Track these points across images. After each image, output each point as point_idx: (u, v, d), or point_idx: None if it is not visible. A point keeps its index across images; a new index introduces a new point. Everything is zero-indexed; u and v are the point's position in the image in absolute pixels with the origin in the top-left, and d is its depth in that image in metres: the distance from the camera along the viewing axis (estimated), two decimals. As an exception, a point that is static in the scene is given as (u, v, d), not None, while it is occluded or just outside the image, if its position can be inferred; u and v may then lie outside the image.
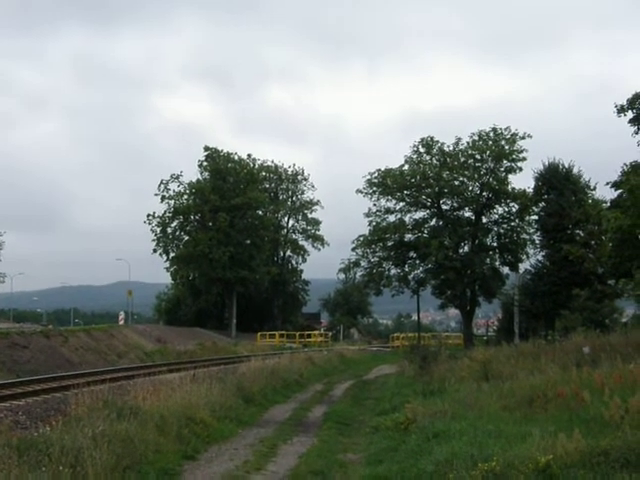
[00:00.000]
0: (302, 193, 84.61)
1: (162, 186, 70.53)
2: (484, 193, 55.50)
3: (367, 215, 57.57)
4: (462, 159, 55.27)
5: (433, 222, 57.44)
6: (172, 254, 71.12)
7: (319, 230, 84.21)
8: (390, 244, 57.03)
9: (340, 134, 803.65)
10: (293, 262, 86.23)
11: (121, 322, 58.07)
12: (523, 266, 53.65)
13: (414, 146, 56.21)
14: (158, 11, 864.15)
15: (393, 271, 58.01)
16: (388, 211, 57.27)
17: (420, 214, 57.69)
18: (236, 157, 74.17)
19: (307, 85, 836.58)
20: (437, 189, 55.13)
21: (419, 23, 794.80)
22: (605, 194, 41.78)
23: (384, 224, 57.02)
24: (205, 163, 73.28)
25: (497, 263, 56.78)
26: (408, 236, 57.43)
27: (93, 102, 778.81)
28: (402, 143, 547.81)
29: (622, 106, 30.24)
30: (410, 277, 57.60)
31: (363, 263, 58.30)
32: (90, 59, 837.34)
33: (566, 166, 46.81)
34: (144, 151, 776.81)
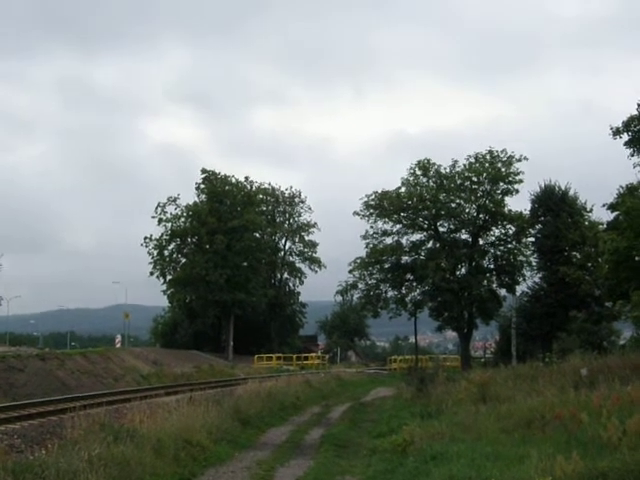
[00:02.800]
0: (299, 215, 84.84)
1: (159, 209, 70.66)
2: (481, 215, 55.68)
3: (364, 237, 57.76)
4: (459, 181, 55.53)
5: (430, 244, 57.61)
6: (169, 277, 71.07)
7: (316, 252, 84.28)
8: (387, 266, 57.10)
9: (329, 156, 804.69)
10: (290, 284, 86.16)
11: (118, 345, 57.90)
12: (520, 288, 53.77)
13: (410, 168, 56.53)
14: (143, 35, 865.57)
15: (390, 293, 58.10)
16: (385, 233, 57.43)
17: (417, 236, 57.94)
18: (233, 180, 74.41)
19: (294, 108, 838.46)
20: (434, 211, 55.31)
21: (401, 49, 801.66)
22: (601, 216, 42.03)
23: (381, 246, 57.13)
24: (202, 186, 73.42)
25: (494, 285, 56.83)
26: (405, 258, 57.57)
27: (81, 125, 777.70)
28: (390, 163, 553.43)
29: (617, 129, 30.55)
30: (407, 299, 57.66)
31: (360, 285, 58.38)
32: (76, 83, 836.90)
33: (562, 188, 47.11)
34: (133, 173, 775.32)
